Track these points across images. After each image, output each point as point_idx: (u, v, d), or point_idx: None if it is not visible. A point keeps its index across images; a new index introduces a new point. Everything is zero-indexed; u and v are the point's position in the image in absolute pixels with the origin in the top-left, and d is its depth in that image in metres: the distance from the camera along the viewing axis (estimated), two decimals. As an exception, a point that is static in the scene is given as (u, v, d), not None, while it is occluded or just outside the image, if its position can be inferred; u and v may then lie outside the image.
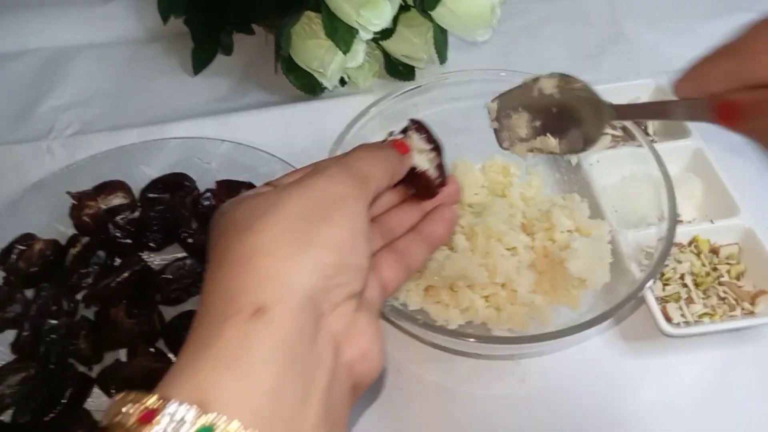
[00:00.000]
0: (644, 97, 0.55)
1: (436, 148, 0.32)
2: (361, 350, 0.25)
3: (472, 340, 0.36)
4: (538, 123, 0.39)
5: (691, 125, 0.51)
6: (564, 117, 0.38)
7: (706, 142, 0.50)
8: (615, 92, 0.46)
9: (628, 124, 0.45)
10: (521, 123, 0.39)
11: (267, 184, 0.28)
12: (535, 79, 0.39)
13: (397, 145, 0.31)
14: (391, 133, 0.32)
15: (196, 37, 0.63)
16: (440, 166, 0.32)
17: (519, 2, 0.67)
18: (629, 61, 0.61)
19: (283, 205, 0.24)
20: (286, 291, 0.22)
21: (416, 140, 0.32)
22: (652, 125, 0.54)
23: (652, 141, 0.52)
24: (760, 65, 0.28)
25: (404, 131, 0.32)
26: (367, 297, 0.27)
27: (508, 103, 0.40)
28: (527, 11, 0.67)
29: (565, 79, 0.38)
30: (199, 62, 0.64)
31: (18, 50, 0.68)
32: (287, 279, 0.22)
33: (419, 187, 0.32)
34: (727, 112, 0.29)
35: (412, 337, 0.43)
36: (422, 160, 0.31)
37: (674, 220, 0.39)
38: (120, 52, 0.68)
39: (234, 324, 0.21)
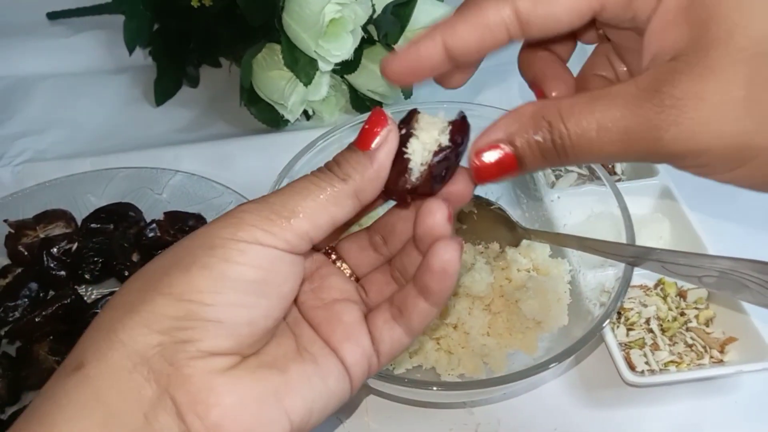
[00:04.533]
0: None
1: (455, 147, 0.24)
2: (226, 412, 0.20)
3: (418, 386, 0.33)
4: (464, 227, 0.43)
5: (659, 165, 0.49)
6: (484, 226, 0.42)
7: (674, 181, 0.48)
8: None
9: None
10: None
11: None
12: None
13: (370, 124, 0.23)
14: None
15: (160, 68, 0.62)
16: (447, 168, 0.24)
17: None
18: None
19: (156, 259, 0.22)
20: (108, 346, 0.20)
21: (425, 122, 0.24)
22: (620, 165, 0.52)
23: (619, 180, 0.51)
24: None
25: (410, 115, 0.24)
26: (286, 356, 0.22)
27: None
28: (497, 53, 0.67)
29: (481, 200, 0.42)
30: (163, 93, 0.63)
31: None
32: (115, 335, 0.20)
33: (395, 183, 0.24)
34: (496, 167, 0.22)
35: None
36: (420, 149, 0.23)
37: (628, 275, 0.37)
38: (84, 82, 0.66)
39: (56, 378, 0.20)
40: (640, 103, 0.19)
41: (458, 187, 0.25)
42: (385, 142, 0.23)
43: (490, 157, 0.22)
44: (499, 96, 0.62)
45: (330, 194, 0.22)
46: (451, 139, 0.23)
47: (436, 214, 0.23)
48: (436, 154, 0.23)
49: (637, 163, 0.51)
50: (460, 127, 0.24)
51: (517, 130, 0.21)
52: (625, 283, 0.35)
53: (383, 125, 0.23)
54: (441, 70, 0.23)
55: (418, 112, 0.24)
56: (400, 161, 0.23)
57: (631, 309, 0.42)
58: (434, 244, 0.23)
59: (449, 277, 0.23)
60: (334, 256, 0.27)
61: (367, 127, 0.23)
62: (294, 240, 0.22)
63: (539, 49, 0.26)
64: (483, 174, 0.22)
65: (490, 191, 0.46)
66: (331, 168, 0.23)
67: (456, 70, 0.25)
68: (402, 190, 0.24)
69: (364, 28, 0.51)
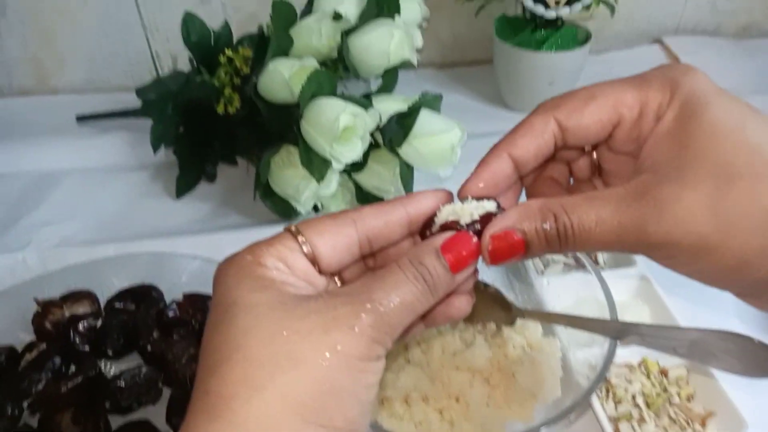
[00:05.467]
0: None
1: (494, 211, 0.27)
2: None
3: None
4: None
5: (637, 256, 0.55)
6: (482, 306, 0.45)
7: (650, 271, 0.53)
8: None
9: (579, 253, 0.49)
10: None
11: (293, 234, 0.26)
12: None
13: (458, 253, 0.26)
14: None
15: (182, 165, 0.68)
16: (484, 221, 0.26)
17: (480, 149, 0.74)
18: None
19: (295, 375, 0.22)
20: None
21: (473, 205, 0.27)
22: (602, 255, 0.58)
23: (601, 269, 0.56)
24: (580, 121, 0.27)
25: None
26: None
27: None
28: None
29: (478, 282, 0.44)
30: (183, 187, 0.68)
31: (9, 172, 0.72)
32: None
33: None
34: (506, 248, 0.25)
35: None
36: (466, 213, 0.27)
37: (613, 347, 0.41)
38: (108, 177, 0.72)
39: None
40: (630, 203, 0.24)
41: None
42: (469, 267, 0.26)
43: (503, 241, 0.25)
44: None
45: (421, 306, 0.25)
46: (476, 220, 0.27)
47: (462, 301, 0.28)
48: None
49: (617, 254, 0.56)
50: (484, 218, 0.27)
51: (527, 219, 0.25)
52: (610, 357, 0.39)
53: (472, 251, 0.26)
54: (510, 181, 0.29)
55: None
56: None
57: (619, 385, 0.45)
58: (455, 295, 0.27)
59: (456, 320, 0.28)
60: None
61: (464, 253, 0.26)
62: (390, 347, 0.25)
63: (546, 179, 0.32)
64: (495, 255, 0.26)
65: (485, 276, 0.50)
66: (426, 279, 0.25)
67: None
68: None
69: (372, 134, 0.58)
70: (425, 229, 0.28)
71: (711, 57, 0.92)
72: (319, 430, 0.22)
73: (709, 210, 0.23)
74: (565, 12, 0.71)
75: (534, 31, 0.76)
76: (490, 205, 0.27)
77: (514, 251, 0.25)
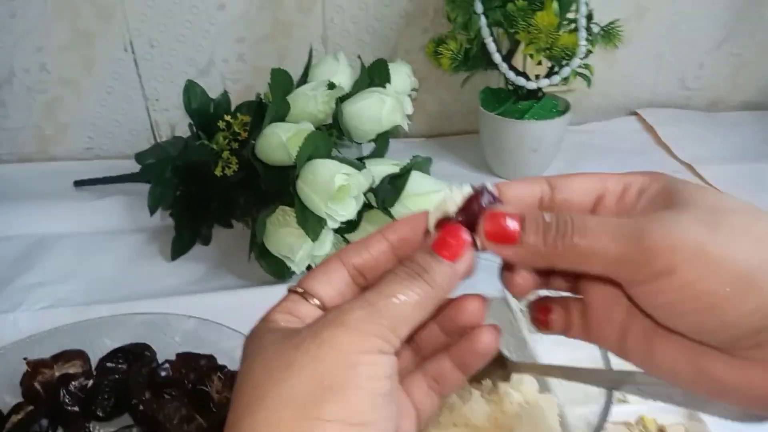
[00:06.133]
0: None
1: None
2: None
3: None
4: None
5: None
6: None
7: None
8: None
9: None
10: None
11: (294, 290, 0.27)
12: None
13: (448, 244, 0.26)
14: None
15: (178, 227, 0.70)
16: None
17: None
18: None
19: (290, 378, 0.23)
20: None
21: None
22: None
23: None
24: (568, 181, 0.28)
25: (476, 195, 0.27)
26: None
27: None
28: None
29: None
30: (178, 249, 0.69)
31: (3, 235, 0.72)
32: None
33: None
34: (500, 224, 0.25)
35: None
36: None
37: (610, 396, 0.42)
38: (102, 240, 0.73)
39: None
40: (632, 219, 0.24)
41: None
42: (467, 254, 0.26)
43: (498, 221, 0.25)
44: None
45: (422, 300, 0.25)
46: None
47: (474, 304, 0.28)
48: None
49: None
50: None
51: (529, 208, 0.26)
52: (607, 408, 0.39)
53: (463, 237, 0.26)
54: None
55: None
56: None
57: (618, 443, 0.45)
58: (478, 329, 0.28)
59: (488, 357, 0.28)
60: None
61: (453, 242, 0.26)
62: (398, 344, 0.24)
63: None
64: (490, 235, 0.25)
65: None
66: (421, 274, 0.25)
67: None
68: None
69: (365, 195, 0.60)
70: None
71: (685, 127, 0.98)
72: (325, 425, 0.22)
73: (707, 227, 0.23)
74: (544, 83, 0.75)
75: (516, 102, 0.80)
76: (467, 189, 0.27)
77: (508, 236, 0.25)
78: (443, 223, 0.27)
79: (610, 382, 0.38)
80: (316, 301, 0.27)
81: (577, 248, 0.24)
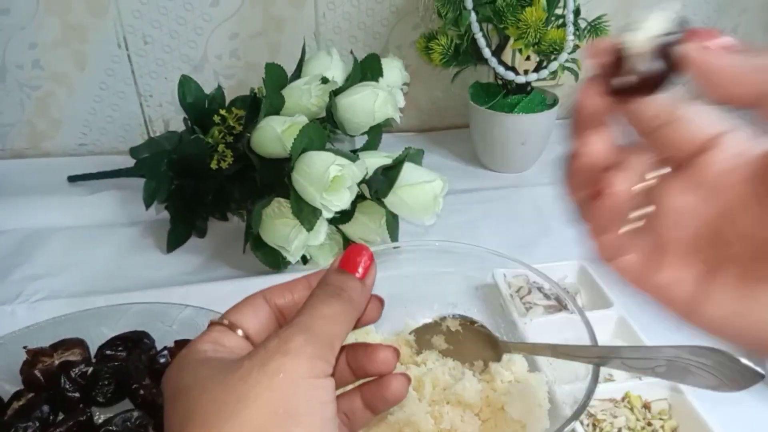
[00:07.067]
0: (570, 275, 0.62)
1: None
2: None
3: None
4: (451, 347, 0.48)
5: (614, 297, 0.57)
6: (469, 344, 0.48)
7: (627, 311, 0.56)
8: (546, 271, 0.53)
9: (562, 294, 0.52)
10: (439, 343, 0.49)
11: (218, 322, 0.28)
12: (442, 318, 0.50)
13: (354, 262, 0.29)
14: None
15: (174, 220, 0.70)
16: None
17: (461, 203, 0.78)
18: (556, 249, 0.70)
19: (245, 410, 0.23)
20: None
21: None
22: (580, 298, 0.60)
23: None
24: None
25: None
26: None
27: (423, 332, 0.49)
28: (467, 210, 0.78)
29: (465, 319, 0.49)
30: (174, 242, 0.70)
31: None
32: None
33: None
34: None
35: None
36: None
37: (596, 373, 0.43)
38: (98, 233, 0.73)
39: None
40: None
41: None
42: (371, 269, 0.29)
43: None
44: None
45: (347, 317, 0.27)
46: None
47: (385, 353, 0.30)
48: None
49: (594, 296, 0.59)
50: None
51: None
52: (594, 381, 0.40)
53: (366, 254, 0.29)
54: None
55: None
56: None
57: (604, 420, 0.46)
58: (388, 376, 0.30)
59: (397, 402, 0.30)
60: None
61: (358, 259, 0.29)
62: (333, 363, 0.26)
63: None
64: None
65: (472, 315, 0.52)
66: (339, 293, 0.27)
67: None
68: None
69: (358, 186, 0.62)
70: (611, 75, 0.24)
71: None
72: None
73: None
74: (533, 78, 0.77)
75: (506, 96, 0.82)
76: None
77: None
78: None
79: (597, 357, 0.40)
80: (241, 332, 0.28)
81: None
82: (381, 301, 0.31)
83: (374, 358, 0.30)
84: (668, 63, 0.23)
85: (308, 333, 0.25)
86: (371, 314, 0.31)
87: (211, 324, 0.28)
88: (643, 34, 0.22)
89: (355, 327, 0.29)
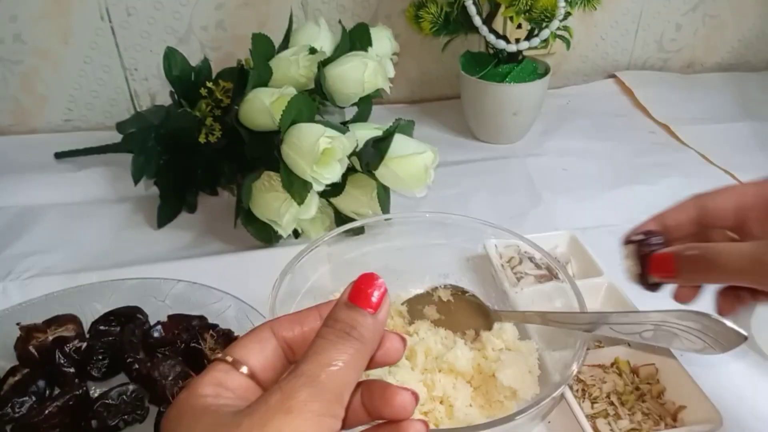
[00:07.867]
0: (561, 245, 0.63)
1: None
2: None
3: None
4: (443, 317, 0.50)
5: (603, 267, 0.58)
6: (460, 314, 0.50)
7: (617, 279, 0.56)
8: (537, 241, 0.54)
9: (553, 264, 0.52)
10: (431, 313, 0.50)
11: (222, 359, 0.26)
12: (434, 289, 0.51)
13: (366, 294, 0.25)
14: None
15: (163, 196, 0.70)
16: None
17: (452, 175, 0.78)
18: (548, 220, 0.71)
19: None
20: None
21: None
22: (570, 268, 0.61)
23: (571, 279, 0.59)
24: (714, 202, 0.38)
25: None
26: None
27: (415, 303, 0.51)
28: (459, 183, 0.78)
29: (457, 289, 0.51)
30: (164, 217, 0.70)
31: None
32: None
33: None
34: (661, 264, 0.37)
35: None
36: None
37: (585, 340, 0.44)
38: (88, 210, 0.73)
39: None
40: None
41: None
42: (385, 300, 0.26)
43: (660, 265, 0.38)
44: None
45: (358, 360, 0.24)
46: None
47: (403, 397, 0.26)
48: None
49: (585, 265, 0.59)
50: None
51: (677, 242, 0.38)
52: (583, 346, 0.41)
53: (379, 285, 0.25)
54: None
55: None
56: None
57: (594, 385, 0.47)
58: (407, 422, 0.26)
59: None
60: None
61: (369, 290, 0.25)
62: (343, 413, 0.23)
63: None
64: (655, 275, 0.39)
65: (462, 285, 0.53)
66: (349, 332, 0.25)
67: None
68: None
69: (349, 158, 0.61)
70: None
71: (661, 90, 1.00)
72: None
73: None
74: (524, 46, 0.76)
75: (497, 65, 0.81)
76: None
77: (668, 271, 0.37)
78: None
79: (586, 324, 0.40)
80: (246, 369, 0.26)
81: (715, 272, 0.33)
82: (404, 341, 0.28)
83: (392, 403, 0.27)
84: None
85: (314, 386, 0.23)
86: (391, 354, 0.27)
87: (215, 361, 0.26)
88: None
89: (370, 367, 0.26)
